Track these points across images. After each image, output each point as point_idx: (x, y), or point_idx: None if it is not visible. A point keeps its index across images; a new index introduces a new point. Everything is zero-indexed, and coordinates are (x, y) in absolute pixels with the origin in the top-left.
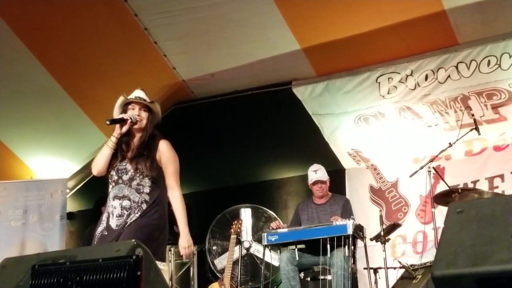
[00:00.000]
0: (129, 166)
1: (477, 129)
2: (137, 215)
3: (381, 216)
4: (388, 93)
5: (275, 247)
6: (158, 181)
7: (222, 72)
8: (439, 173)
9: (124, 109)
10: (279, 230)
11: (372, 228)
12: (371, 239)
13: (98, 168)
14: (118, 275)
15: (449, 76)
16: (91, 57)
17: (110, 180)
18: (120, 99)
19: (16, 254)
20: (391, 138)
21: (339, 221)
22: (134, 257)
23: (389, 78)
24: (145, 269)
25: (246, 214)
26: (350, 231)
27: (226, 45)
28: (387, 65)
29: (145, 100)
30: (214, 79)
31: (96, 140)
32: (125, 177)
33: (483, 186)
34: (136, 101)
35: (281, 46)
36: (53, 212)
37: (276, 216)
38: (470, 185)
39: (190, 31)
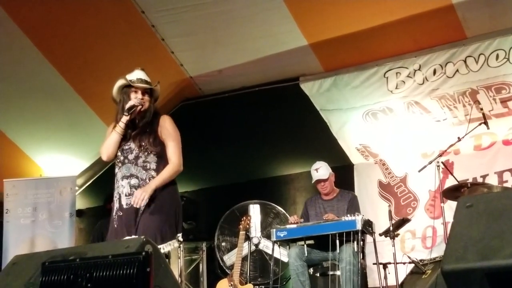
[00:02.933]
0: (133, 145)
1: (486, 123)
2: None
3: (390, 211)
4: (396, 88)
5: (284, 243)
6: (162, 156)
7: (229, 68)
8: (448, 168)
9: (126, 91)
10: (288, 226)
11: (381, 223)
12: (380, 234)
13: (108, 153)
14: (128, 271)
15: (457, 70)
16: (98, 54)
17: (116, 161)
18: (121, 81)
19: (26, 251)
20: (399, 133)
21: (346, 217)
22: (143, 253)
23: (397, 73)
24: (154, 265)
25: (254, 210)
26: (359, 226)
27: (234, 42)
28: (395, 60)
29: (147, 82)
30: (221, 75)
31: (104, 137)
32: (131, 156)
33: (492, 180)
34: (140, 86)
35: (289, 41)
36: (62, 209)
37: (285, 212)
38: (479, 180)
39: (197, 28)
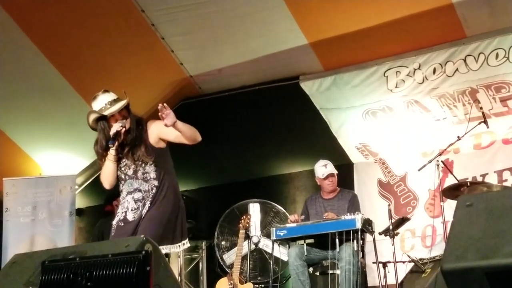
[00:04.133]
0: (128, 161)
1: (485, 122)
2: (153, 202)
3: (389, 210)
4: (396, 87)
5: (284, 242)
6: (159, 162)
7: (229, 67)
8: (447, 167)
9: (102, 121)
10: (287, 225)
11: (381, 222)
12: (380, 233)
13: (109, 182)
14: (128, 270)
15: (457, 69)
16: (98, 53)
17: (119, 180)
18: (92, 115)
19: (26, 250)
20: (399, 132)
21: (346, 216)
22: (143, 252)
23: (396, 72)
24: (154, 264)
25: (254, 209)
26: (358, 225)
27: (233, 40)
28: (395, 59)
29: (115, 100)
30: (221, 74)
31: None
32: (129, 172)
33: (492, 179)
34: (113, 111)
35: (289, 40)
36: (62, 208)
37: (285, 211)
38: (479, 179)
39: (197, 27)
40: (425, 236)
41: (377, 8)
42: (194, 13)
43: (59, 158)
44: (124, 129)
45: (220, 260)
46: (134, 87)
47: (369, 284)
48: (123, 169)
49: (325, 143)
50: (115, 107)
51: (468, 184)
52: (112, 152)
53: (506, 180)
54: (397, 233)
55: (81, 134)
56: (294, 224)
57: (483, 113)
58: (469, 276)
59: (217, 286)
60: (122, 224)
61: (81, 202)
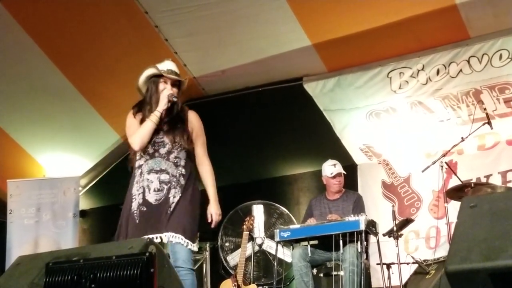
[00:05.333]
0: (166, 139)
1: (489, 123)
2: (178, 191)
3: (393, 212)
4: (400, 88)
5: (288, 243)
6: (191, 153)
7: (232, 68)
8: (451, 168)
9: (154, 80)
10: (291, 226)
11: (385, 223)
12: (384, 235)
13: (143, 143)
14: (132, 272)
15: (461, 70)
16: (102, 54)
17: (142, 154)
18: (151, 70)
19: (30, 252)
20: (403, 133)
21: (350, 217)
22: (147, 254)
23: (400, 73)
24: (158, 266)
25: (258, 211)
26: (362, 226)
27: (237, 42)
28: (398, 60)
29: (177, 74)
30: (225, 75)
31: (107, 137)
32: (162, 150)
33: (496, 180)
34: (172, 77)
35: (292, 42)
36: (66, 210)
37: (289, 212)
38: (483, 180)
39: (200, 28)
40: (429, 237)
41: (380, 9)
42: (197, 14)
43: (63, 160)
44: (176, 100)
45: (224, 262)
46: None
47: (373, 286)
48: (156, 145)
49: (328, 144)
50: (174, 75)
51: (472, 185)
52: (157, 114)
53: (510, 181)
54: (401, 235)
55: (85, 136)
56: (298, 226)
57: (487, 114)
58: (473, 278)
59: (221, 287)
60: (145, 209)
61: (85, 204)
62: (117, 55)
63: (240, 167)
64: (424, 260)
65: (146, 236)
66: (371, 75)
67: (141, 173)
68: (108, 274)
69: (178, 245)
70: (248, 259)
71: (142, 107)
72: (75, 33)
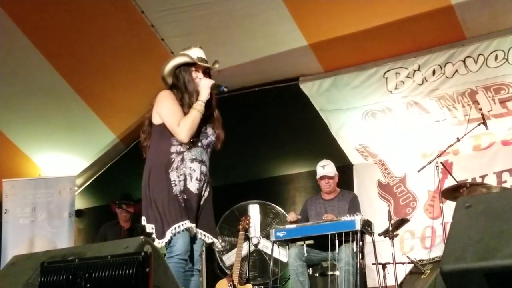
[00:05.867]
0: (210, 131)
1: (485, 123)
2: (208, 187)
3: (389, 212)
4: (396, 88)
5: (284, 243)
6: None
7: (229, 68)
8: (447, 168)
9: (186, 69)
10: (287, 226)
11: (381, 223)
12: (380, 235)
13: (192, 133)
14: (127, 271)
15: (456, 70)
16: (98, 54)
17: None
18: (183, 58)
19: (25, 251)
20: (398, 133)
21: (346, 217)
22: (142, 253)
23: (396, 73)
24: (154, 265)
25: (254, 211)
26: (358, 226)
27: (233, 42)
28: (395, 60)
29: (207, 62)
30: (221, 75)
31: (103, 137)
32: (205, 141)
33: (491, 180)
34: (206, 66)
35: (288, 42)
36: (61, 209)
37: (284, 212)
38: (479, 180)
39: (197, 28)
40: (425, 237)
41: (377, 9)
42: (194, 14)
43: (59, 160)
44: (227, 89)
45: (220, 261)
46: (134, 88)
47: (369, 285)
48: (201, 135)
49: (324, 144)
50: (205, 63)
51: (468, 185)
52: (201, 103)
53: (505, 182)
54: (397, 234)
55: (81, 135)
56: (294, 226)
57: (482, 114)
58: (468, 278)
59: (217, 287)
60: (186, 197)
61: (81, 203)
62: (113, 54)
63: (236, 167)
64: (420, 260)
65: (189, 224)
66: (367, 75)
67: (182, 159)
68: (103, 274)
69: (203, 245)
70: (244, 259)
71: (177, 93)
72: (71, 33)
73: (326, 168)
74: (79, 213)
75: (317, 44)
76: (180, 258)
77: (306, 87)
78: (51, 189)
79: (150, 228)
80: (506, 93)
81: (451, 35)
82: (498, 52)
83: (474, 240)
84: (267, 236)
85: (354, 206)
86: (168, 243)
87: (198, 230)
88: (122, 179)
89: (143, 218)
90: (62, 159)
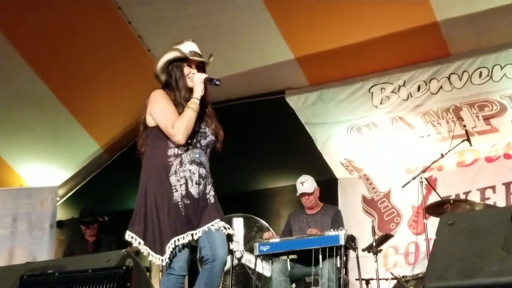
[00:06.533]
0: (208, 131)
1: (468, 140)
2: (212, 189)
3: (373, 227)
4: (381, 103)
5: (267, 257)
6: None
7: None
8: (431, 184)
9: (178, 65)
10: (271, 240)
11: (364, 238)
12: (363, 250)
13: (189, 134)
14: (108, 286)
15: (441, 87)
16: (84, 63)
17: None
18: (174, 53)
19: (4, 263)
20: (383, 148)
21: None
22: (124, 267)
23: (382, 88)
24: (135, 280)
25: (238, 224)
26: (342, 241)
27: (220, 54)
28: (380, 75)
29: (201, 56)
30: (207, 87)
31: (87, 147)
32: (203, 142)
33: (475, 197)
34: (196, 59)
35: (275, 55)
36: (42, 220)
37: (268, 226)
38: (462, 196)
39: (183, 39)
40: (408, 253)
41: (363, 24)
42: (181, 25)
43: (41, 170)
44: (220, 83)
45: None
46: (119, 99)
47: None
48: (199, 135)
49: (310, 158)
50: (198, 57)
51: (451, 201)
52: (196, 101)
53: (488, 198)
54: (380, 250)
55: (64, 146)
56: (278, 240)
57: (466, 131)
58: None
59: None
60: (188, 202)
61: (62, 214)
62: (99, 64)
63: (220, 179)
64: (403, 276)
65: (194, 231)
66: (353, 89)
67: (181, 162)
68: None
69: (224, 237)
70: (226, 272)
71: (170, 92)
72: (57, 42)
73: (305, 184)
74: (60, 224)
75: (304, 57)
76: (181, 274)
77: (292, 101)
78: (32, 200)
79: (137, 243)
80: (490, 110)
81: (436, 51)
82: (482, 69)
83: (456, 258)
84: (250, 250)
85: (336, 221)
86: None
87: (220, 223)
88: (105, 190)
89: (129, 233)
90: (45, 169)
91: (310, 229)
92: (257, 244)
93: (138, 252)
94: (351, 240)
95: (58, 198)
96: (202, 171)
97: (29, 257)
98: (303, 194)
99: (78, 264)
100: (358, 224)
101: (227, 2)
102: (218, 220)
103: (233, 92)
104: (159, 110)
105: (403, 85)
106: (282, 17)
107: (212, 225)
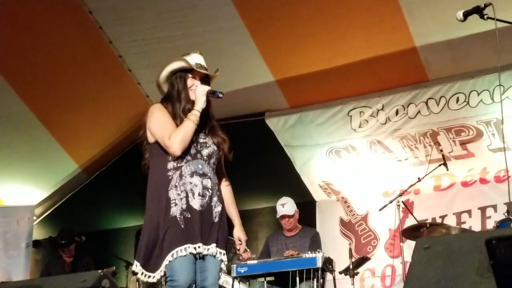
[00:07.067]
0: (209, 141)
1: (445, 164)
2: (219, 202)
3: (350, 249)
4: (360, 126)
5: (244, 279)
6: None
7: None
8: (408, 207)
9: (181, 75)
10: (248, 262)
11: (342, 261)
12: (340, 272)
13: (185, 146)
14: None
15: (419, 111)
16: (63, 82)
17: (183, 154)
18: (179, 63)
19: None
20: (361, 171)
21: (307, 254)
22: None
23: (360, 112)
24: None
25: None
26: (319, 264)
27: None
28: (359, 99)
29: (206, 69)
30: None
31: (65, 166)
32: (205, 152)
33: (451, 221)
34: (201, 72)
35: (255, 77)
36: (19, 239)
37: (246, 248)
38: (439, 220)
39: (164, 60)
40: (385, 276)
41: (343, 49)
42: (162, 46)
43: (19, 189)
44: (222, 96)
45: None
46: (100, 118)
47: None
48: (199, 145)
49: (288, 180)
50: (204, 70)
51: (428, 225)
52: (196, 113)
53: (464, 222)
54: (357, 273)
55: (42, 165)
56: (255, 261)
57: (443, 155)
58: None
59: None
60: (189, 215)
61: (39, 234)
62: (79, 83)
63: None
64: None
65: (195, 245)
66: (332, 112)
67: (181, 175)
68: None
69: (219, 264)
70: None
71: (168, 104)
72: (36, 60)
73: (285, 206)
74: (36, 244)
75: (284, 80)
76: (185, 286)
77: (272, 123)
78: (8, 218)
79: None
80: (466, 135)
81: (415, 76)
82: (459, 95)
83: (432, 282)
84: (228, 271)
85: (314, 243)
86: (166, 273)
87: (215, 249)
88: (82, 210)
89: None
90: (23, 188)
91: (288, 251)
92: (235, 265)
93: (115, 273)
94: (328, 263)
95: (34, 218)
96: (207, 182)
97: (5, 277)
98: (283, 216)
99: (53, 284)
100: (336, 247)
101: (209, 24)
102: (214, 245)
103: (213, 113)
104: (156, 123)
105: (382, 109)
106: (264, 40)
107: (208, 249)
